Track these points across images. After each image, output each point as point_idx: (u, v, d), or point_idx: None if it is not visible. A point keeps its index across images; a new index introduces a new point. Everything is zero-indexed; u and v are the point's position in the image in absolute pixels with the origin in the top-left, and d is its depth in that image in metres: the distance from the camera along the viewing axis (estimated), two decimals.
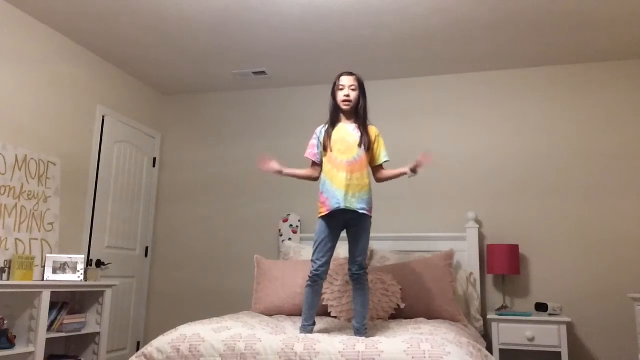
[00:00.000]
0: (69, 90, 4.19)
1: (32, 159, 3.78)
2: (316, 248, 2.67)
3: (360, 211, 2.66)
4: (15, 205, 3.64)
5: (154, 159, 5.21)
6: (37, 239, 3.77)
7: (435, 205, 4.45)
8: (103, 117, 4.52)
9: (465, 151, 4.49)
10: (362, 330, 2.61)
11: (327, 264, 2.67)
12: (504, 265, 3.93)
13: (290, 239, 4.54)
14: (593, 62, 4.35)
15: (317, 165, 2.87)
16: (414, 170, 2.73)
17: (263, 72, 4.72)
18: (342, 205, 2.63)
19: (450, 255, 3.65)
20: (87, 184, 4.33)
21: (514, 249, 3.97)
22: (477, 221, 4.31)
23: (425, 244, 4.21)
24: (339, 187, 2.65)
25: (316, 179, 2.88)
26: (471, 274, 4.00)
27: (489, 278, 4.25)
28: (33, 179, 3.78)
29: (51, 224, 3.90)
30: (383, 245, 4.26)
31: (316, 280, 2.67)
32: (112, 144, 4.62)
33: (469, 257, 4.14)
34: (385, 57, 4.36)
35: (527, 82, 4.47)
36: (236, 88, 5.15)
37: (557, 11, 3.58)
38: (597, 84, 4.32)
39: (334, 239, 2.70)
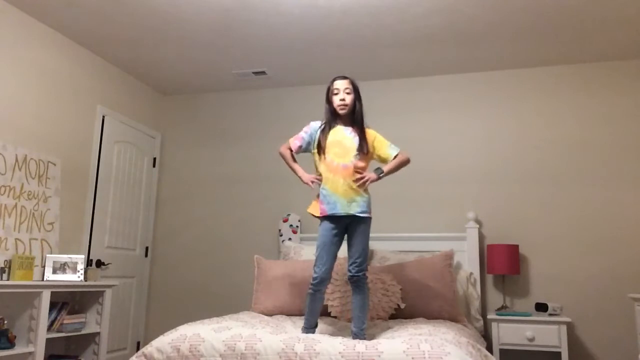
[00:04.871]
0: (69, 90, 4.19)
1: (32, 159, 3.78)
2: (318, 254, 2.63)
3: (360, 215, 2.63)
4: (15, 205, 3.64)
5: (154, 159, 5.21)
6: (37, 239, 3.77)
7: (436, 205, 4.45)
8: (103, 117, 4.52)
9: (466, 151, 4.49)
10: (360, 335, 2.54)
11: (329, 270, 2.62)
12: (504, 265, 3.93)
13: (290, 239, 4.54)
14: (593, 62, 4.35)
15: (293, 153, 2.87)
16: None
17: (263, 72, 4.72)
18: (339, 212, 2.61)
19: (450, 255, 3.65)
20: (87, 184, 4.33)
21: (514, 249, 3.97)
22: (477, 221, 4.31)
23: (425, 244, 4.21)
24: (335, 192, 2.63)
25: None
26: (471, 274, 4.00)
27: (489, 278, 4.25)
28: (33, 179, 3.78)
29: (51, 224, 3.90)
30: (383, 245, 4.26)
31: (319, 288, 2.61)
32: (112, 144, 4.62)
33: (469, 257, 4.14)
34: (385, 57, 4.36)
35: (527, 82, 4.47)
36: (236, 88, 5.15)
37: (557, 11, 3.58)
38: (597, 84, 4.32)
39: (335, 243, 2.65)
